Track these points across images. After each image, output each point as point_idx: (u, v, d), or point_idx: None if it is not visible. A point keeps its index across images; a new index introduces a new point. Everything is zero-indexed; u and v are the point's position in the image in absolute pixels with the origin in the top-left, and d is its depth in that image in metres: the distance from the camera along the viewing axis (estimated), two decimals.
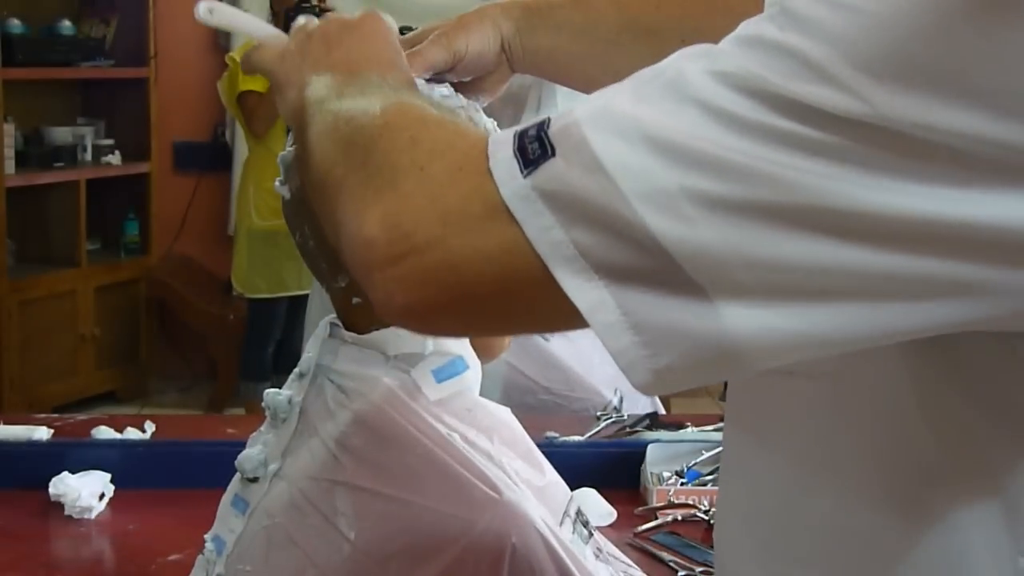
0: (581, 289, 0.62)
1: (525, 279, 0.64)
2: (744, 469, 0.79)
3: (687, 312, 0.60)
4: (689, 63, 0.63)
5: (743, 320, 0.60)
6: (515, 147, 0.64)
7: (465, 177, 0.66)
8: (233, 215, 4.63)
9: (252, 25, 0.96)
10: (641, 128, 0.61)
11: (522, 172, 0.63)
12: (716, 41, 1.10)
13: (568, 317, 0.63)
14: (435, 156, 0.69)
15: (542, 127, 0.64)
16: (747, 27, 0.63)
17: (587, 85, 1.11)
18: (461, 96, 1.04)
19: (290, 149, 1.02)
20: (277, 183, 1.03)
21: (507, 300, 0.66)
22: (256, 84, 4.19)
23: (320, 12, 4.08)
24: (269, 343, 4.45)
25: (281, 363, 4.37)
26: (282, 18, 4.23)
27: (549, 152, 0.63)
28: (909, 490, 0.69)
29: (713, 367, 0.62)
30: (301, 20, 0.93)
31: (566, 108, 0.66)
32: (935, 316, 0.60)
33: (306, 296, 4.26)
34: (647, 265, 0.61)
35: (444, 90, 1.02)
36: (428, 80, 1.01)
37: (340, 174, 0.73)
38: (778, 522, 0.75)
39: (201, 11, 0.94)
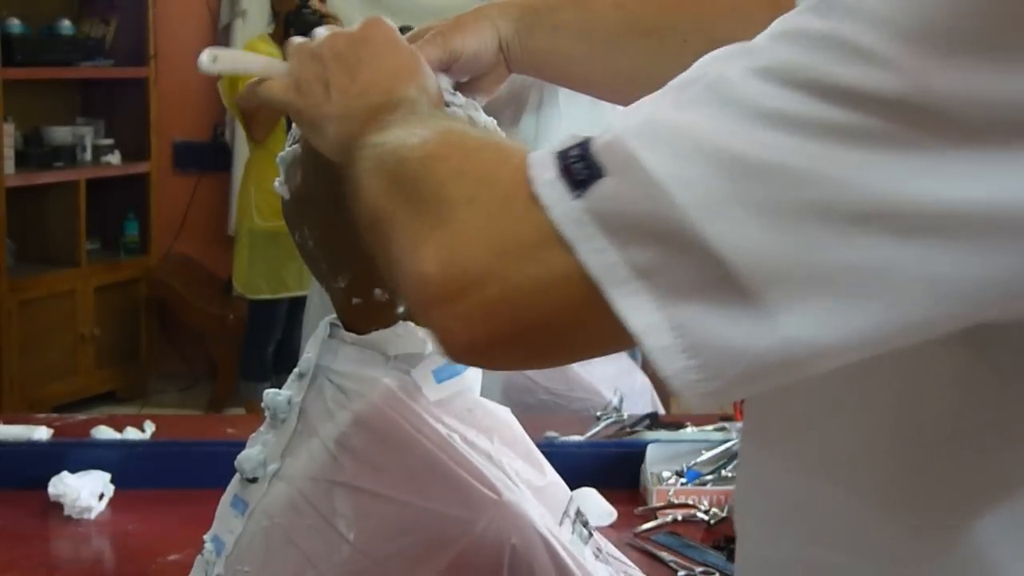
0: (634, 311, 0.60)
1: (583, 305, 0.62)
2: (766, 446, 0.79)
3: (745, 327, 0.59)
4: (728, 64, 0.62)
5: (802, 327, 0.59)
6: (559, 169, 0.63)
7: (514, 205, 0.64)
8: (233, 215, 4.63)
9: (254, 63, 0.95)
10: (690, 137, 0.60)
11: (571, 194, 0.62)
12: (720, 41, 1.09)
13: (626, 340, 0.62)
14: (482, 186, 0.67)
15: (585, 147, 0.63)
16: (784, 22, 0.62)
17: (586, 86, 1.10)
18: (459, 95, 1.03)
19: (289, 149, 1.02)
20: (276, 183, 1.03)
21: (568, 328, 0.64)
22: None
23: (320, 16, 4.06)
24: (269, 343, 4.45)
25: (281, 363, 4.36)
26: (282, 20, 4.22)
27: (598, 172, 0.61)
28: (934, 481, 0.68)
29: (768, 378, 0.61)
30: (294, 42, 0.92)
31: (605, 120, 0.64)
32: (998, 303, 0.59)
33: (306, 296, 4.27)
34: (703, 278, 0.59)
35: (445, 84, 1.02)
36: None
37: (390, 210, 0.71)
38: (799, 504, 0.75)
39: (204, 61, 0.92)
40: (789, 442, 0.76)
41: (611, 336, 0.63)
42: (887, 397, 0.68)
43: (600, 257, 0.61)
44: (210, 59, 0.93)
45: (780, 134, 0.58)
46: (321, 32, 0.93)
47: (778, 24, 0.62)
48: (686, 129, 0.60)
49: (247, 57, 0.96)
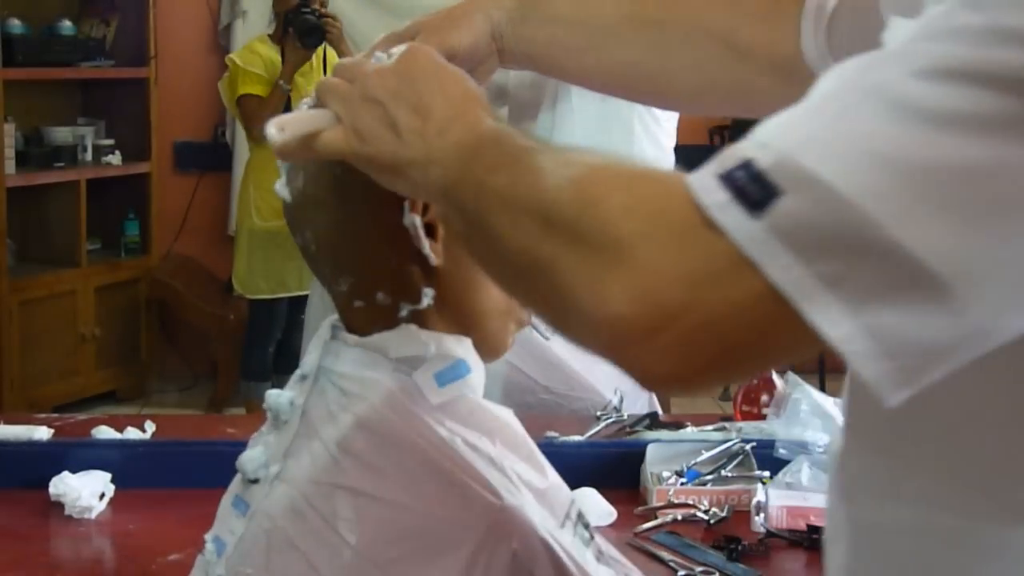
0: (831, 322, 0.62)
1: (779, 321, 0.64)
2: (873, 414, 0.79)
3: (938, 323, 0.61)
4: (884, 72, 0.63)
5: (992, 315, 0.61)
6: (730, 191, 0.64)
7: (693, 234, 0.65)
8: (234, 215, 4.62)
9: (305, 119, 0.89)
10: (865, 148, 0.61)
11: (750, 216, 0.63)
12: (719, 34, 1.09)
13: (823, 345, 0.63)
14: (654, 220, 0.67)
15: (750, 167, 0.64)
16: (934, 21, 0.63)
17: (581, 77, 1.10)
18: None
19: None
20: (278, 185, 1.02)
21: (766, 346, 0.66)
22: (255, 87, 4.17)
23: (320, 16, 4.04)
24: (270, 343, 4.45)
25: (281, 363, 4.36)
26: (282, 19, 4.19)
27: (774, 192, 0.62)
28: None
29: (958, 364, 0.63)
30: (331, 85, 0.88)
31: (749, 140, 0.65)
32: None
33: (306, 296, 4.26)
34: (899, 282, 0.61)
35: None
36: None
37: (549, 253, 0.70)
38: (914, 469, 0.76)
39: (273, 133, 0.87)
40: (898, 410, 0.77)
41: (806, 345, 0.65)
42: (1002, 361, 0.69)
43: (788, 273, 0.62)
44: (279, 129, 0.88)
45: (958, 132, 0.59)
46: (343, 70, 0.90)
47: (926, 24, 0.63)
48: (860, 140, 0.62)
49: (299, 116, 0.90)
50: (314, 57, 4.12)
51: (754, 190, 0.63)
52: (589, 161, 0.73)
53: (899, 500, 0.77)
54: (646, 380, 0.69)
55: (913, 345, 0.62)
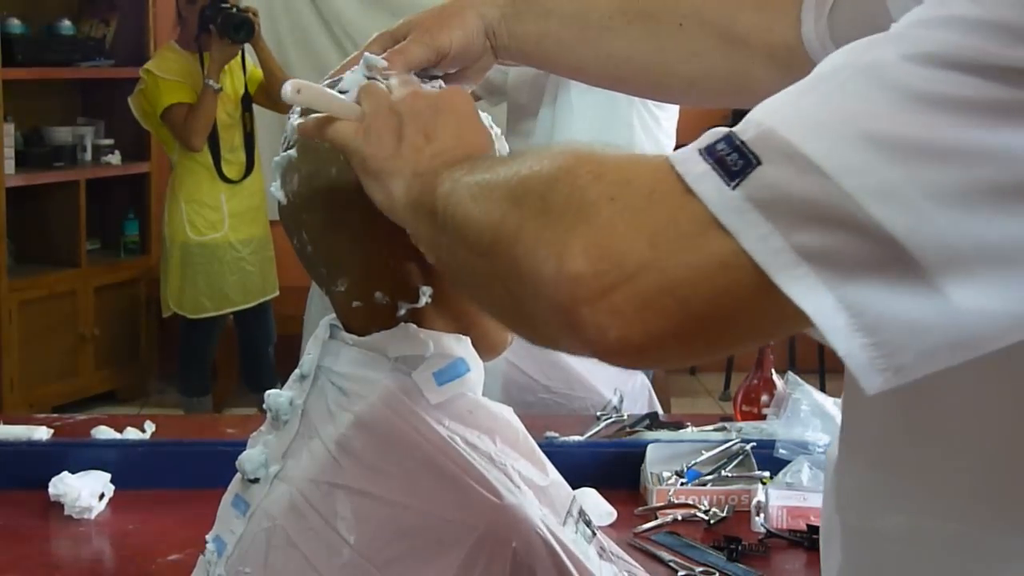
0: (807, 294, 0.61)
1: (746, 291, 0.62)
2: (870, 420, 0.79)
3: (919, 305, 0.60)
4: (880, 53, 0.62)
5: (976, 305, 0.60)
6: (710, 161, 0.63)
7: (662, 199, 0.64)
8: (165, 233, 4.28)
9: (332, 101, 0.92)
10: (850, 124, 0.61)
11: (727, 184, 0.62)
12: (714, 25, 1.09)
13: (792, 322, 0.62)
14: (622, 185, 0.66)
15: (731, 139, 0.63)
16: (929, 9, 0.63)
17: (576, 71, 1.10)
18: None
19: (284, 154, 1.01)
20: (272, 188, 1.02)
21: (729, 316, 0.64)
22: (182, 95, 3.99)
23: (241, 10, 3.95)
24: (210, 358, 4.37)
25: (265, 377, 4.30)
26: (194, 20, 4.01)
27: (753, 161, 0.62)
28: None
29: (946, 358, 0.62)
30: (374, 90, 0.90)
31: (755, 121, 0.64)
32: None
33: (250, 309, 4.23)
34: (876, 260, 0.60)
35: (436, 85, 1.02)
36: (416, 76, 1.01)
37: (514, 225, 0.70)
38: (911, 475, 0.76)
39: (288, 92, 0.89)
40: (896, 415, 0.77)
41: (775, 321, 0.64)
42: (1003, 364, 0.68)
43: (765, 243, 0.61)
44: (294, 90, 0.90)
45: (947, 115, 0.59)
46: (396, 84, 0.92)
47: (921, 11, 0.63)
48: (847, 116, 0.61)
49: (328, 95, 0.92)
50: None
51: (734, 160, 0.62)
52: (575, 146, 0.73)
53: (893, 511, 0.77)
54: (598, 346, 0.66)
55: (890, 322, 0.60)
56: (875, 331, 0.60)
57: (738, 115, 0.67)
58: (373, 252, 1.00)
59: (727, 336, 0.67)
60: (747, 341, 0.69)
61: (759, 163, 0.62)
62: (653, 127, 2.50)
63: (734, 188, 0.62)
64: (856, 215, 0.60)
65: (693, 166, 0.64)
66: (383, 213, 0.87)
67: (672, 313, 0.64)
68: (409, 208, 0.83)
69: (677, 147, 2.52)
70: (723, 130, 0.64)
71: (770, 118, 0.63)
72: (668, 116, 2.52)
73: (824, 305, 0.61)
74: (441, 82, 1.03)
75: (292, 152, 1.01)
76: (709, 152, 0.63)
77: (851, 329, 0.61)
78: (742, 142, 0.63)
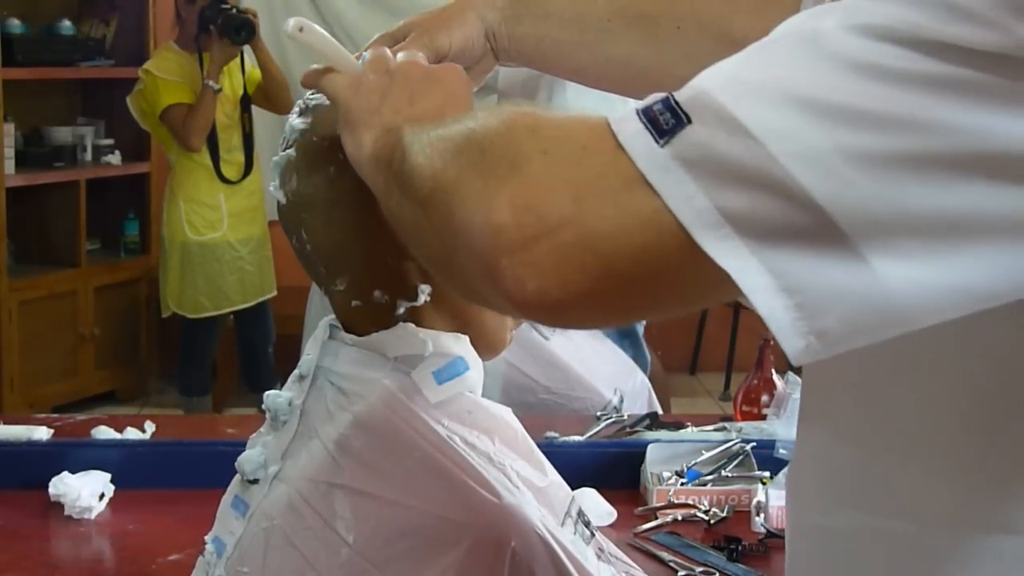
0: (730, 255, 0.61)
1: (668, 250, 0.62)
2: (825, 416, 0.79)
3: (843, 271, 0.60)
4: (821, 21, 0.62)
5: (901, 275, 0.60)
6: (644, 120, 0.63)
7: (593, 154, 0.65)
8: (164, 233, 4.27)
9: (334, 51, 0.94)
10: (782, 89, 0.61)
11: (657, 142, 0.62)
12: (712, 27, 1.09)
13: (715, 287, 0.62)
14: (557, 140, 0.67)
15: (667, 100, 0.63)
16: None
17: (576, 73, 1.10)
18: None
19: (283, 153, 1.02)
20: (272, 187, 1.02)
21: (649, 275, 0.64)
22: (181, 96, 3.98)
23: (240, 11, 3.95)
24: (209, 358, 4.37)
25: (264, 376, 4.30)
26: (193, 21, 3.99)
27: (684, 120, 0.62)
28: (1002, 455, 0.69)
29: (871, 328, 0.61)
30: (381, 54, 0.92)
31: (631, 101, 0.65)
32: None
33: (249, 308, 4.23)
34: (800, 224, 0.60)
35: None
36: None
37: (451, 176, 0.70)
38: (863, 475, 0.75)
39: (290, 26, 0.92)
40: (850, 412, 0.77)
41: (698, 282, 0.63)
42: (955, 363, 0.68)
43: (690, 203, 0.61)
44: (296, 28, 0.93)
45: (879, 85, 0.59)
46: (402, 55, 0.93)
47: None
48: (780, 81, 0.61)
49: (330, 42, 0.94)
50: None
51: (666, 119, 0.62)
52: (525, 106, 0.73)
53: (848, 508, 0.77)
54: (515, 300, 0.66)
55: (813, 285, 0.60)
56: (797, 292, 0.60)
57: None
58: (372, 250, 1.00)
59: (648, 297, 0.67)
60: (669, 305, 0.68)
61: (689, 122, 0.62)
62: None
63: (663, 146, 0.62)
64: (782, 179, 0.60)
65: (627, 124, 0.64)
66: (350, 164, 0.88)
67: (591, 269, 0.64)
68: (372, 159, 0.84)
69: None
70: (663, 93, 0.64)
71: (708, 81, 0.63)
72: None
73: (747, 266, 0.60)
74: None
75: (291, 152, 1.01)
76: (645, 113, 0.64)
77: (773, 290, 0.60)
78: (677, 102, 0.63)
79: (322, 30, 0.95)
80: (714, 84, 0.63)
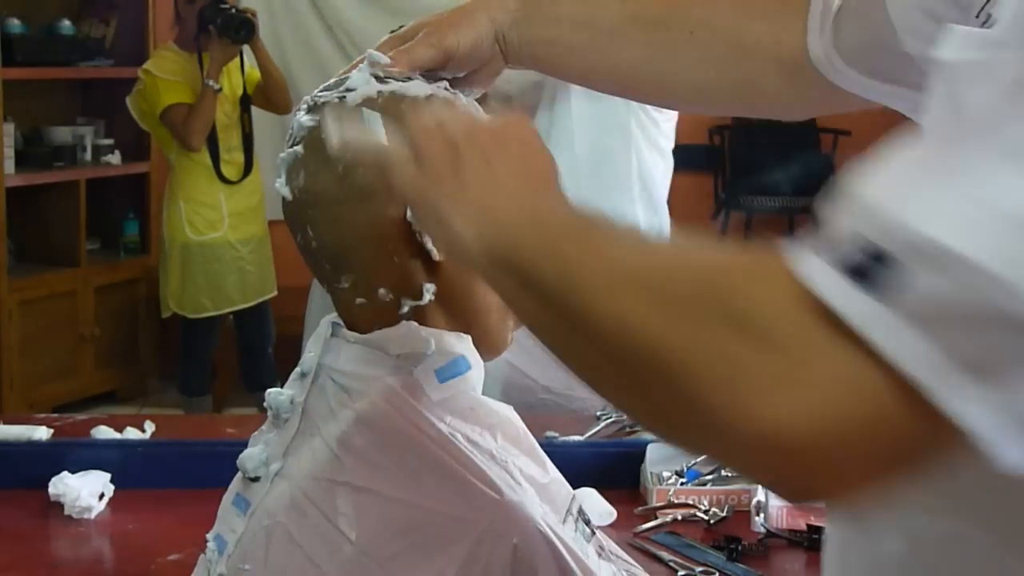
0: (976, 413, 0.55)
1: (914, 424, 0.57)
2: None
3: None
4: (1007, 112, 0.56)
5: None
6: (846, 275, 0.57)
7: (838, 351, 0.57)
8: (164, 233, 4.26)
9: (377, 142, 0.90)
10: (1007, 211, 0.54)
11: (874, 298, 0.56)
12: (724, 33, 1.08)
13: (958, 449, 0.57)
14: (805, 329, 0.59)
15: (866, 247, 0.56)
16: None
17: (586, 78, 1.10)
18: (460, 94, 1.03)
19: (290, 150, 1.01)
20: (278, 184, 1.02)
21: (901, 453, 0.60)
22: (181, 96, 3.98)
23: (239, 11, 3.94)
24: (208, 358, 4.37)
25: (265, 375, 4.29)
26: (192, 21, 3.99)
27: (896, 270, 0.55)
28: None
29: None
30: (427, 121, 0.85)
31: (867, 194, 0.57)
32: None
33: (249, 308, 4.23)
34: None
35: (441, 87, 1.02)
36: (422, 77, 1.01)
37: (681, 343, 0.62)
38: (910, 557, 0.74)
39: (335, 146, 0.92)
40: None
41: (941, 447, 0.58)
42: None
43: (927, 362, 0.55)
44: (340, 147, 0.91)
45: None
46: (445, 110, 0.89)
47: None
48: (998, 201, 0.54)
49: (373, 140, 0.91)
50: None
51: (875, 270, 0.56)
52: (664, 244, 0.68)
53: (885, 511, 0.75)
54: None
55: None
56: None
57: (740, 121, 0.65)
58: (378, 249, 1.00)
59: (901, 471, 0.62)
60: (920, 469, 0.62)
61: (903, 273, 0.55)
62: (651, 129, 2.49)
63: (885, 305, 0.55)
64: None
65: (830, 286, 0.57)
66: (392, 207, 0.85)
67: (864, 472, 0.60)
68: (484, 257, 0.76)
69: (677, 146, 2.51)
70: (853, 232, 0.57)
71: (895, 208, 0.56)
72: (667, 119, 2.51)
73: (998, 424, 0.55)
74: (446, 83, 1.03)
75: (299, 148, 1.01)
76: (854, 271, 0.57)
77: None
78: (884, 252, 0.55)
79: (357, 131, 0.93)
80: (912, 214, 0.55)
